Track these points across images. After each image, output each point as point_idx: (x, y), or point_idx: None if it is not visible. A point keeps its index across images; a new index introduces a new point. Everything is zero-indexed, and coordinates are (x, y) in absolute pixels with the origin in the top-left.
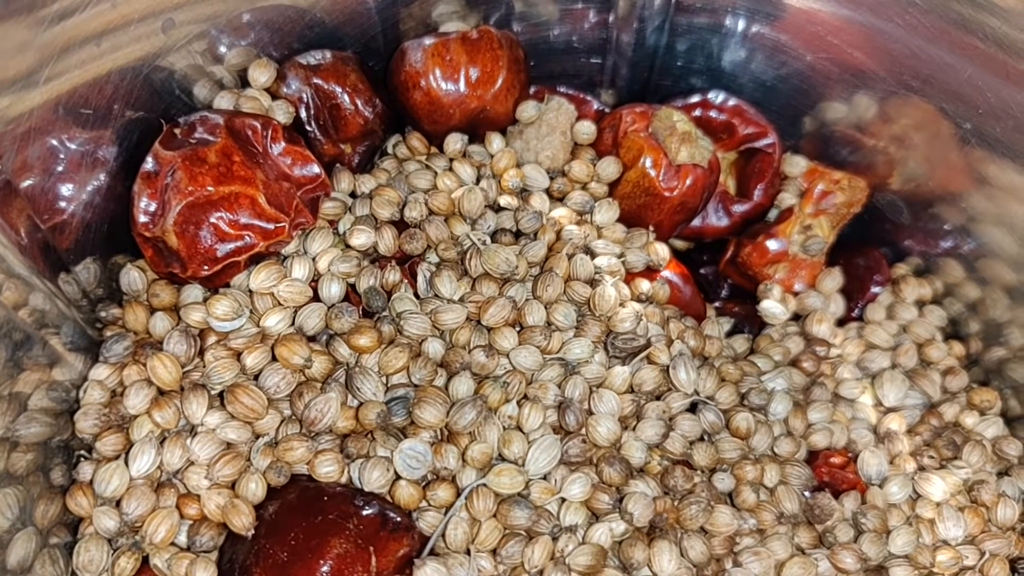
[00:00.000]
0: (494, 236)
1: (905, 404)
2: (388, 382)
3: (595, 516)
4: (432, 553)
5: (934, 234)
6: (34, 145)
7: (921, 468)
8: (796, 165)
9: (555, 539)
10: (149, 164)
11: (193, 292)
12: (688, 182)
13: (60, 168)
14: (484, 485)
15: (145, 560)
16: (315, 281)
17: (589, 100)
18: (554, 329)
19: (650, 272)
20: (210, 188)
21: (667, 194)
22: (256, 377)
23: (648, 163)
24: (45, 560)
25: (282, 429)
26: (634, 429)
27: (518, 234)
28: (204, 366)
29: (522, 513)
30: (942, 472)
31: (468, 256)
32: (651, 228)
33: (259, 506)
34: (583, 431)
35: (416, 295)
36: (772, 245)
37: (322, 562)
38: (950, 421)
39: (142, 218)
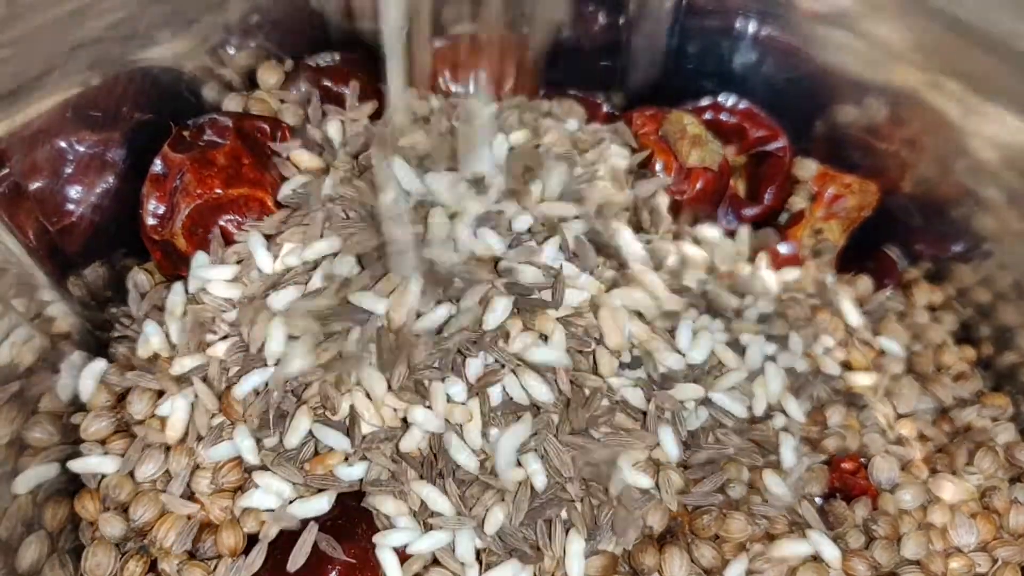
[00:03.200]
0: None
1: (917, 409)
2: None
3: None
4: None
5: (945, 237)
6: (43, 147)
7: (933, 473)
8: (807, 168)
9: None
10: (158, 167)
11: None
12: (699, 185)
13: (69, 170)
14: None
15: (153, 565)
16: None
17: (599, 102)
18: None
19: None
20: (219, 191)
21: (678, 197)
22: None
23: (659, 166)
24: (54, 564)
25: None
26: None
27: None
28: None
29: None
30: (954, 478)
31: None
32: None
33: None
34: None
35: None
36: (783, 248)
37: (330, 568)
38: (962, 427)
39: (150, 221)
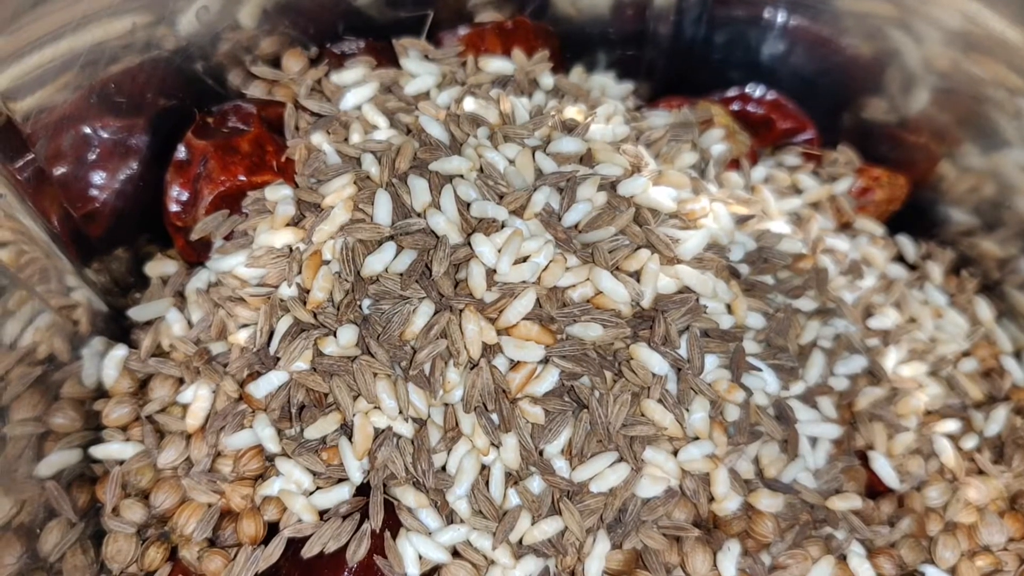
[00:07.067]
0: None
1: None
2: None
3: None
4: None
5: (977, 231)
6: (67, 133)
7: (963, 472)
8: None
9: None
10: (181, 153)
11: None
12: None
13: (93, 156)
14: None
15: (173, 552)
16: None
17: None
18: None
19: None
20: (242, 177)
21: None
22: None
23: None
24: (76, 550)
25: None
26: None
27: None
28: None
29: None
30: (983, 476)
31: None
32: None
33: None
34: None
35: None
36: None
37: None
38: (992, 424)
39: (174, 207)
